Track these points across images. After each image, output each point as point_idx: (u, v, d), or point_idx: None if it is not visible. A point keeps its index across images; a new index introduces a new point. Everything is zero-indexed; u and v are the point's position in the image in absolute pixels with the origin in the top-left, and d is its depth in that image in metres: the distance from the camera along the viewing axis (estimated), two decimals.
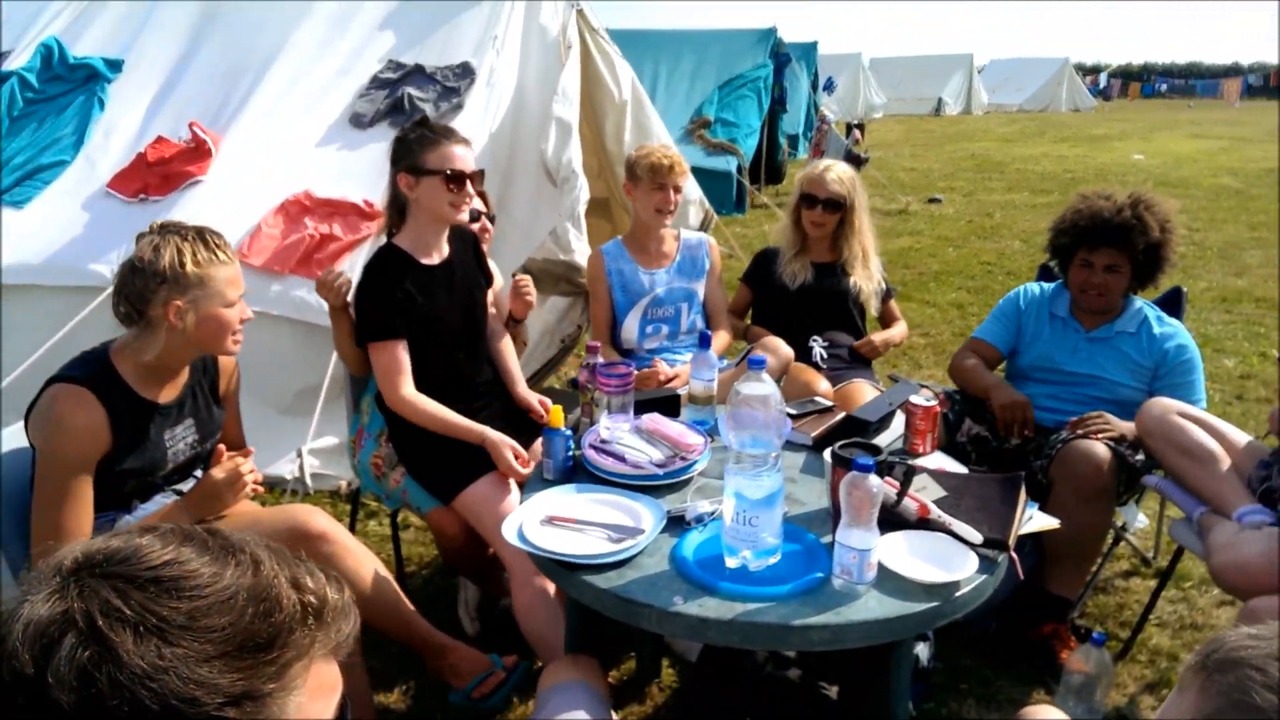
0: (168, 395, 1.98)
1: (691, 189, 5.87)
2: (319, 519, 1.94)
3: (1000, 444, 2.74)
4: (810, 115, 14.11)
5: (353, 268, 3.17)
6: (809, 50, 15.05)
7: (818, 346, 3.07)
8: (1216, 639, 0.70)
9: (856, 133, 15.79)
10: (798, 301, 3.11)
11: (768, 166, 11.25)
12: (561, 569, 1.57)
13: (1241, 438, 2.40)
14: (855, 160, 11.12)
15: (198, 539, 0.66)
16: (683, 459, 1.87)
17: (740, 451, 1.49)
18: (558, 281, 3.67)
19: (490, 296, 2.56)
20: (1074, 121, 24.96)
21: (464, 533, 2.30)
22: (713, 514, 1.68)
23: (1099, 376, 2.67)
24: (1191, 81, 44.90)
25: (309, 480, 3.13)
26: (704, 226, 5.94)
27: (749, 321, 3.31)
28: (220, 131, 3.93)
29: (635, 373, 2.80)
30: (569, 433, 1.87)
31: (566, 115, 3.92)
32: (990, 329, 2.93)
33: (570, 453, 1.89)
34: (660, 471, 1.82)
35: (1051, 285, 2.87)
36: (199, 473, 2.14)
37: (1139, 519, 2.79)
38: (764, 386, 1.47)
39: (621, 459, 1.86)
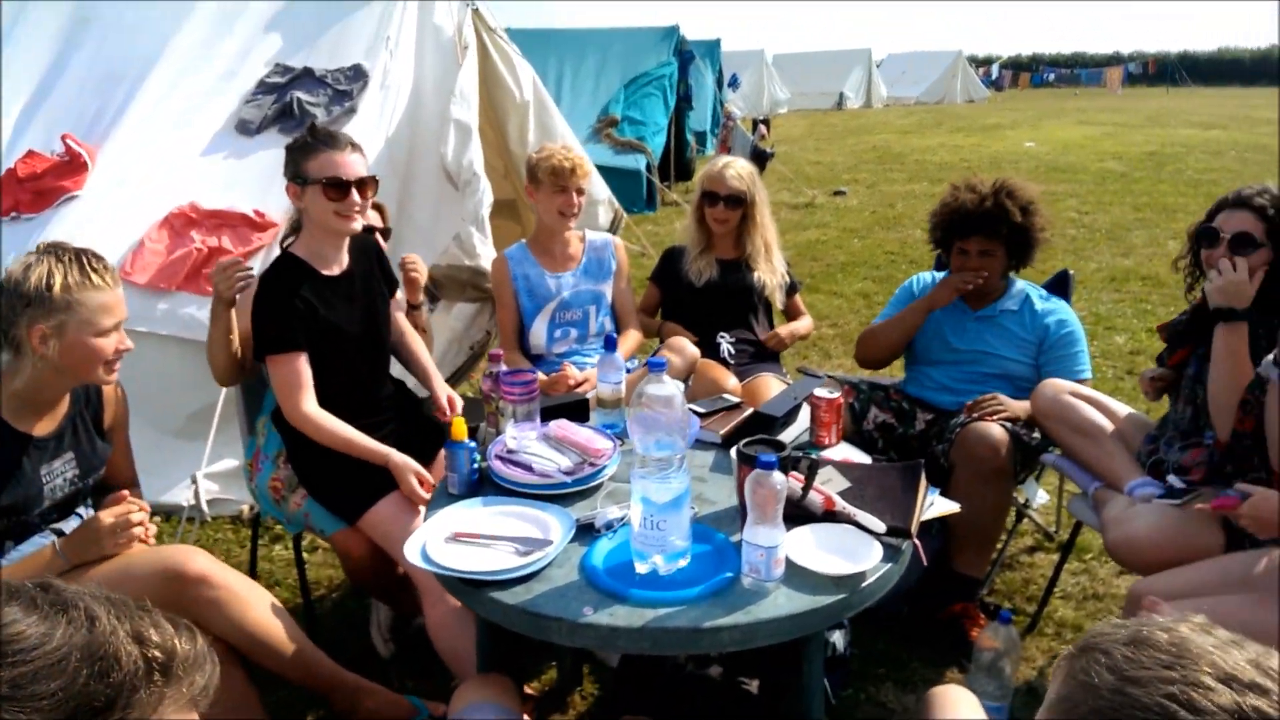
0: (44, 427, 1.85)
1: (600, 188, 5.85)
2: (198, 560, 1.80)
3: (906, 430, 2.81)
4: (716, 112, 14.26)
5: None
6: (713, 47, 15.20)
7: (725, 343, 3.09)
8: (1087, 631, 0.72)
9: (762, 128, 16.03)
10: (704, 299, 3.12)
11: (677, 164, 11.31)
12: (467, 587, 1.53)
13: (1129, 413, 2.51)
14: (761, 155, 11.28)
15: (25, 596, 0.60)
16: (591, 464, 1.84)
17: (645, 455, 1.48)
18: (464, 287, 3.59)
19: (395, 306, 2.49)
20: (969, 112, 25.86)
21: (371, 553, 2.22)
22: (622, 519, 1.66)
23: (988, 353, 2.77)
24: (1077, 71, 47.05)
25: (205, 507, 2.99)
26: (614, 226, 5.93)
27: (660, 319, 3.31)
28: (96, 143, 3.72)
29: (540, 378, 2.78)
30: (473, 445, 1.82)
31: (465, 117, 3.85)
32: (889, 315, 3.00)
33: (475, 465, 1.84)
34: (569, 479, 1.79)
35: (942, 273, 2.96)
36: (83, 511, 2.01)
37: (1040, 495, 2.90)
38: (666, 388, 1.46)
39: (529, 468, 1.82)
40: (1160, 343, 2.51)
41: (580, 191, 2.85)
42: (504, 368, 2.01)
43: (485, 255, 3.58)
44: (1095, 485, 2.40)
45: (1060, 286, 2.95)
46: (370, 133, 3.80)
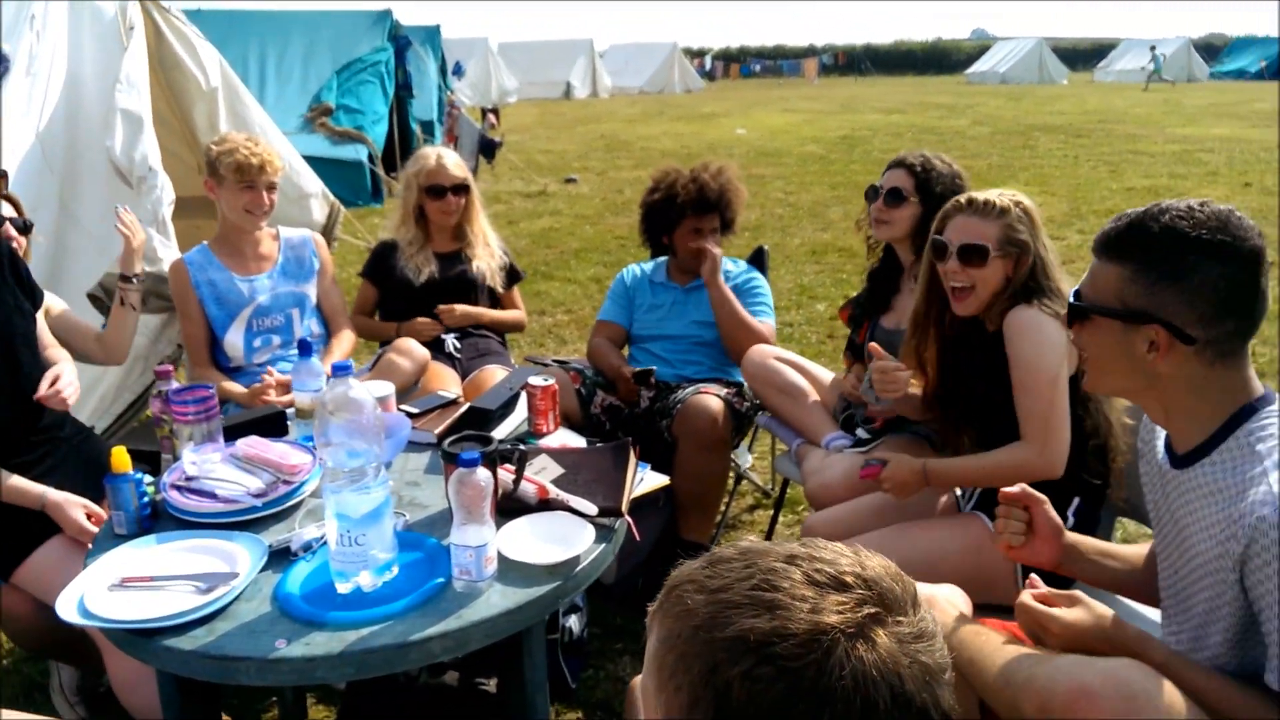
0: None
1: (311, 181, 5.48)
2: None
3: (631, 410, 2.88)
4: (442, 100, 13.90)
5: None
6: (432, 34, 14.75)
7: (450, 339, 2.99)
8: (667, 580, 0.77)
9: (491, 117, 15.86)
10: (426, 295, 3.00)
11: (402, 154, 10.88)
12: (137, 638, 1.34)
13: (827, 375, 2.73)
14: (490, 145, 11.17)
15: None
16: (287, 482, 1.69)
17: (336, 467, 1.37)
18: (145, 298, 3.19)
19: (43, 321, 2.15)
20: (687, 101, 27.27)
21: (36, 611, 1.91)
22: (321, 539, 1.54)
23: (698, 321, 2.93)
24: (779, 62, 51.12)
25: None
26: (331, 221, 5.58)
27: (378, 318, 3.15)
28: None
29: (240, 391, 2.53)
30: (140, 476, 1.60)
31: (134, 106, 3.42)
32: (610, 310, 3.08)
33: (146, 499, 1.62)
34: (259, 502, 1.63)
35: (650, 263, 3.09)
36: None
37: (746, 458, 3.09)
38: (352, 393, 1.35)
39: (212, 495, 1.64)
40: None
41: (272, 188, 2.62)
42: (175, 384, 1.79)
43: (168, 259, 3.20)
44: (798, 442, 2.60)
45: (757, 260, 3.16)
46: (17, 126, 3.27)
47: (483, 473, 1.40)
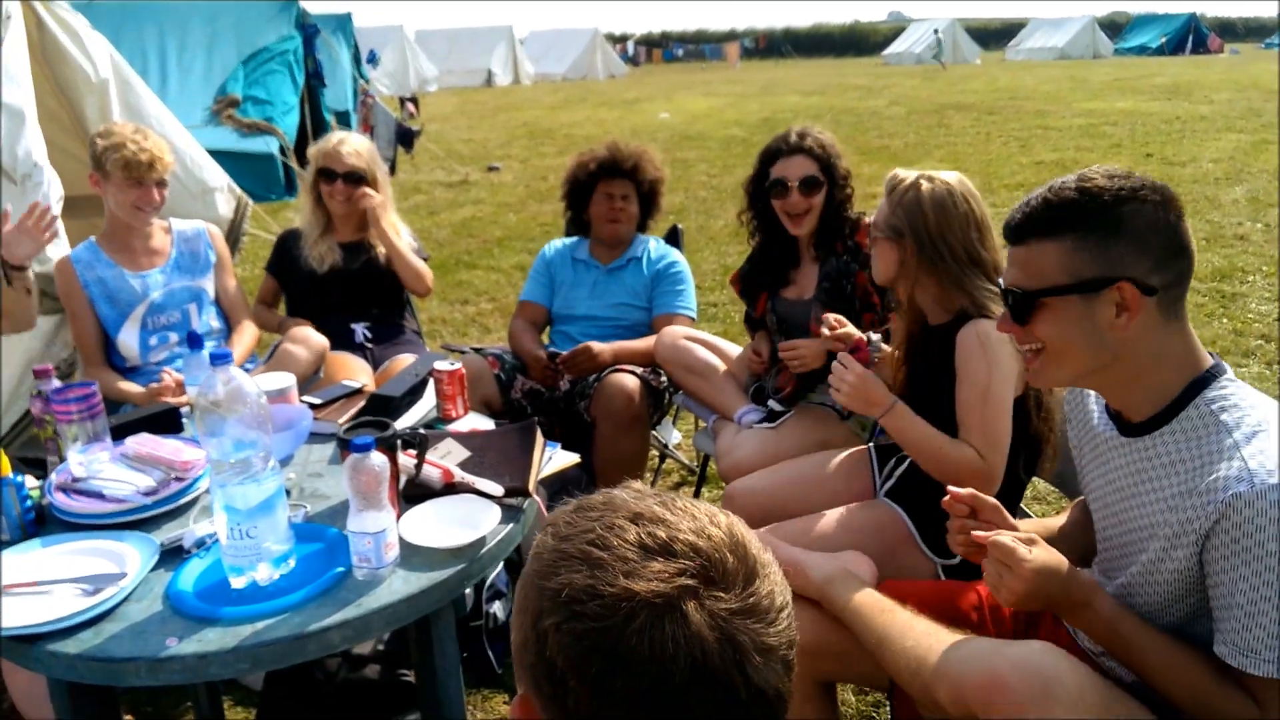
0: None
1: (214, 175, 5.30)
2: None
3: (551, 393, 2.87)
4: (357, 90, 13.57)
5: None
6: (344, 22, 14.37)
7: (360, 329, 2.94)
8: None
9: (410, 106, 15.59)
10: (330, 285, 2.93)
11: None
12: (20, 645, 1.29)
13: (738, 351, 2.76)
14: (407, 134, 10.96)
15: None
16: (180, 479, 1.64)
17: (222, 460, 1.33)
18: (38, 298, 3.05)
19: None
20: (610, 87, 27.17)
21: None
22: (215, 535, 1.49)
23: (619, 303, 2.93)
24: (701, 46, 51.29)
25: None
26: (239, 216, 5.42)
27: (283, 312, 3.07)
28: None
29: (137, 392, 2.44)
30: (19, 479, 1.53)
31: (15, 100, 3.24)
32: (530, 289, 3.06)
33: (29, 504, 1.55)
34: (150, 501, 1.58)
35: (572, 238, 3.07)
36: None
37: (674, 435, 3.11)
38: (231, 383, 1.31)
39: (100, 496, 1.58)
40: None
41: (162, 184, 2.52)
42: (56, 384, 1.72)
43: (57, 258, 3.06)
44: (713, 418, 2.62)
45: (672, 239, 3.18)
46: None
47: (377, 458, 1.38)
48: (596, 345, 2.72)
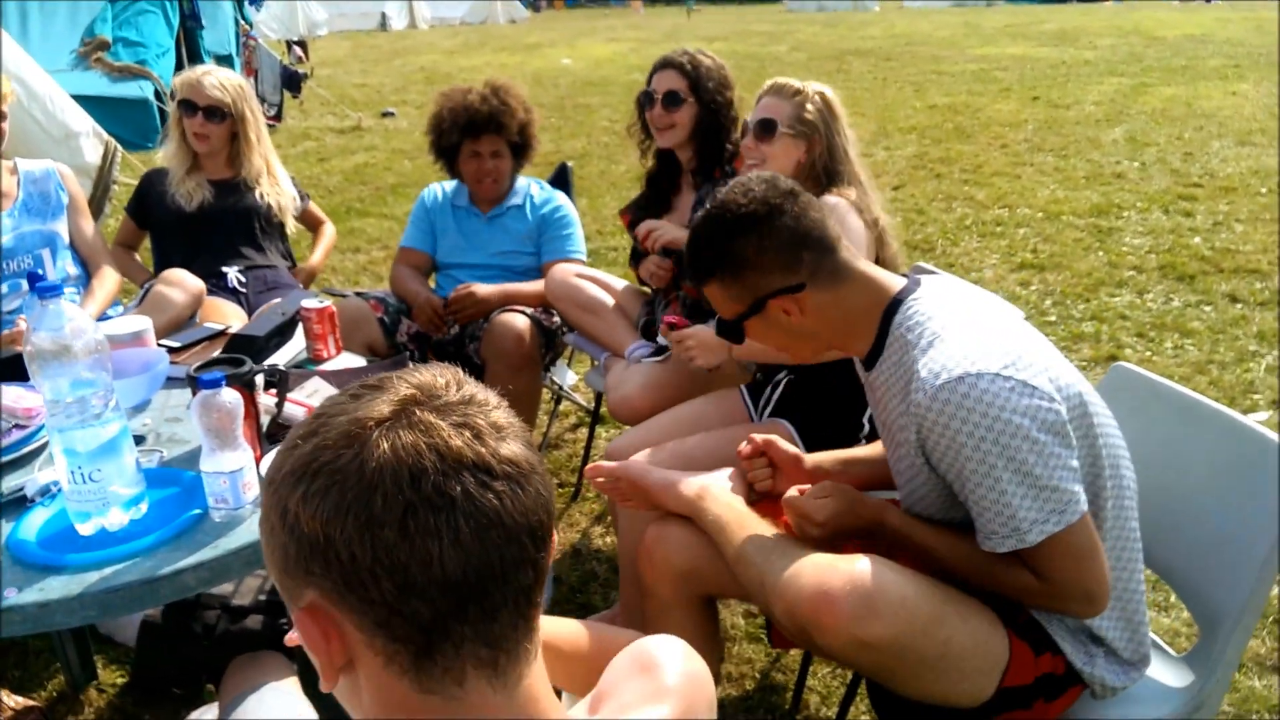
0: None
1: (78, 119, 4.98)
2: None
3: (439, 337, 2.80)
4: (239, 33, 12.84)
5: None
6: None
7: (233, 272, 2.80)
8: None
9: (298, 50, 14.82)
10: (200, 225, 2.78)
11: None
12: None
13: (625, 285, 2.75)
14: (294, 77, 10.46)
15: None
16: (21, 426, 1.54)
17: (57, 400, 1.25)
18: None
19: None
20: (511, 32, 26.40)
21: None
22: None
23: (503, 250, 2.86)
24: None
25: None
26: (107, 162, 5.10)
27: (147, 258, 2.90)
28: None
29: None
30: None
31: None
32: (411, 235, 2.97)
33: None
34: None
35: (452, 183, 2.96)
36: None
37: (569, 376, 3.09)
38: (61, 319, 1.23)
39: None
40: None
41: (1, 117, 2.33)
42: None
43: None
44: (604, 355, 2.61)
45: (561, 180, 3.12)
46: None
47: (229, 394, 1.32)
48: (481, 288, 2.66)
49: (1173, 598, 2.23)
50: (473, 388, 0.68)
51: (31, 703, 1.95)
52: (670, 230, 2.37)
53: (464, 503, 0.61)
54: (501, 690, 0.65)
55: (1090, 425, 1.26)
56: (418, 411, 0.63)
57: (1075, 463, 1.20)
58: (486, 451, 0.62)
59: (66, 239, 2.52)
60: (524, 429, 0.68)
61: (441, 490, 0.60)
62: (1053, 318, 4.15)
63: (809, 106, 2.07)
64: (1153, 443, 1.49)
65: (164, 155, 2.87)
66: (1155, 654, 1.45)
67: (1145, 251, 4.94)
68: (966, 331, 1.24)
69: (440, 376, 0.67)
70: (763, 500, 1.57)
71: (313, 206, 3.14)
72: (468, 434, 0.63)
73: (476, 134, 2.75)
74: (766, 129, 2.07)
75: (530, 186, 2.92)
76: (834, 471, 1.60)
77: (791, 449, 1.59)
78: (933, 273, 1.61)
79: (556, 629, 1.04)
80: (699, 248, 1.37)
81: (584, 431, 3.22)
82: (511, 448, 0.64)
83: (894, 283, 1.36)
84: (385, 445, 0.61)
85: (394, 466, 0.60)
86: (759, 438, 1.58)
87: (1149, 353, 3.74)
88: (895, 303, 1.33)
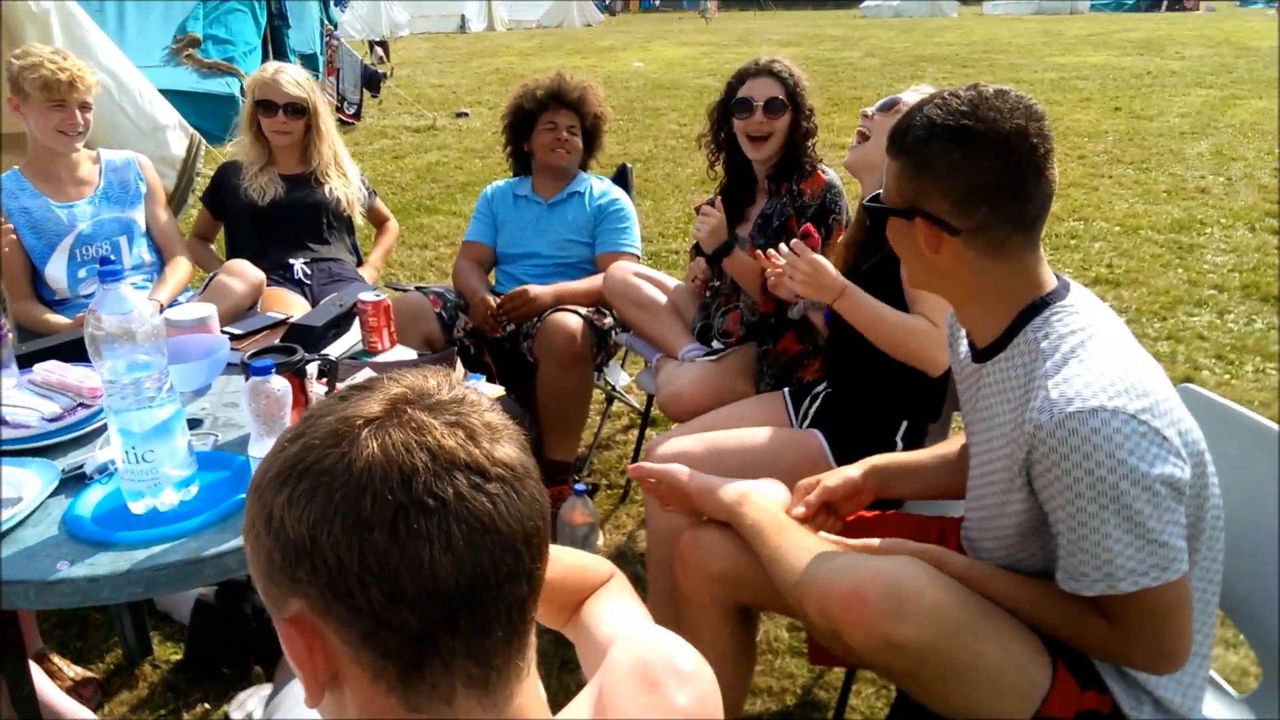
0: None
1: (165, 112, 5.17)
2: None
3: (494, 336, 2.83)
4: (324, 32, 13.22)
5: None
6: None
7: (299, 263, 2.88)
8: None
9: (380, 50, 15.19)
10: (271, 219, 2.87)
11: None
12: None
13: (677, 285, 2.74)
14: (374, 77, 10.73)
15: None
16: (86, 406, 1.60)
17: (116, 381, 1.29)
18: None
19: None
20: (585, 35, 26.64)
21: None
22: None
23: (562, 240, 2.89)
24: None
25: None
26: (191, 154, 5.29)
27: (221, 247, 3.00)
28: None
29: (2, 316, 2.38)
30: None
31: None
32: (474, 229, 3.02)
33: None
34: (54, 427, 1.54)
35: (513, 178, 3.02)
36: None
37: (621, 377, 3.09)
38: (121, 303, 1.27)
39: (2, 422, 1.54)
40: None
41: (85, 107, 2.43)
42: None
43: None
44: (657, 356, 2.60)
45: (621, 180, 3.13)
46: None
47: (278, 381, 1.35)
48: (535, 288, 2.68)
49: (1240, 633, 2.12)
50: (465, 388, 0.66)
51: (89, 674, 2.02)
52: (709, 223, 2.34)
53: (456, 505, 0.58)
54: (492, 709, 0.62)
55: (1204, 486, 1.18)
56: (409, 410, 0.62)
57: (1184, 519, 1.12)
58: (480, 452, 0.60)
59: (143, 226, 2.61)
60: (517, 431, 0.65)
61: (433, 491, 0.58)
62: None
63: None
64: (1221, 472, 1.42)
65: (235, 149, 2.97)
66: (1215, 693, 1.38)
67: (1228, 270, 4.72)
68: (1109, 360, 1.14)
69: (432, 378, 0.66)
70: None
71: (378, 203, 3.22)
72: (461, 434, 0.61)
73: (559, 104, 2.82)
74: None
75: (591, 180, 2.96)
76: (894, 483, 1.56)
77: (840, 482, 1.51)
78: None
79: None
80: (916, 117, 1.22)
81: (634, 433, 3.22)
82: (506, 449, 0.62)
83: (1046, 282, 1.24)
84: (374, 444, 0.59)
85: (384, 466, 0.58)
86: (812, 498, 1.48)
87: (1227, 375, 3.57)
88: (1040, 303, 1.22)
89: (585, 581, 1.03)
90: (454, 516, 0.58)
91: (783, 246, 1.93)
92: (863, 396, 1.97)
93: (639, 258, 2.90)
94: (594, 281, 2.76)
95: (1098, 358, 1.14)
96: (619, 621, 0.93)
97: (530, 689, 0.66)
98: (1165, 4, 34.03)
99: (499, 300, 2.70)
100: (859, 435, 1.90)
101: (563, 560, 1.02)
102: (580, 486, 2.33)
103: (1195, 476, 1.15)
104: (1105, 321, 1.22)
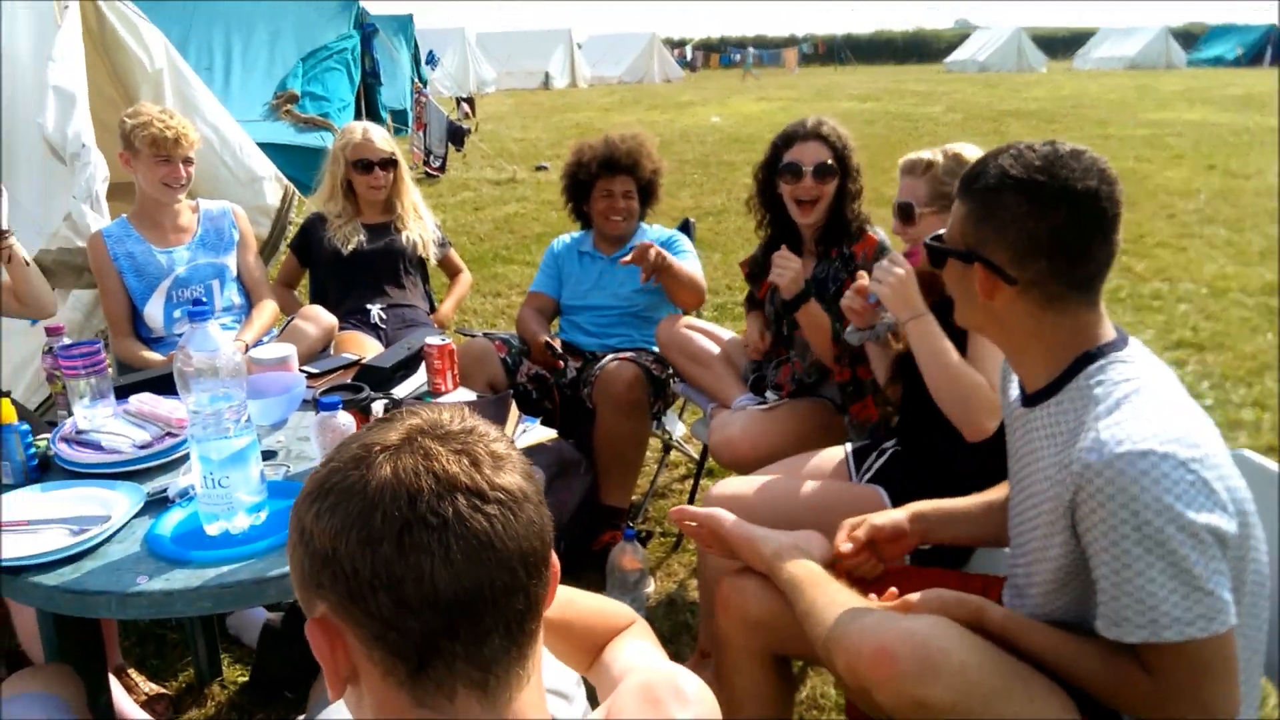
0: None
1: (261, 164, 5.48)
2: None
3: (557, 379, 2.93)
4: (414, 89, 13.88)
5: None
6: (405, 23, 14.74)
7: (375, 309, 3.04)
8: None
9: (466, 106, 15.85)
10: (353, 266, 3.05)
11: None
12: (4, 577, 1.38)
13: (731, 337, 2.79)
14: (458, 132, 11.17)
15: None
16: (173, 435, 1.73)
17: (199, 412, 1.41)
18: (80, 273, 3.21)
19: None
20: (665, 91, 27.26)
21: None
22: None
23: (621, 293, 2.98)
24: (759, 51, 51.05)
25: None
26: (285, 204, 5.60)
27: (305, 292, 3.19)
28: None
29: (103, 351, 2.56)
30: (25, 427, 1.64)
31: (66, 83, 3.43)
32: (540, 281, 3.14)
33: (32, 450, 1.66)
34: (143, 454, 1.67)
35: (578, 233, 3.13)
36: None
37: (679, 427, 3.14)
38: (209, 340, 1.39)
39: (98, 447, 1.68)
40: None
41: (188, 161, 2.65)
42: (65, 340, 1.83)
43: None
44: (711, 406, 2.65)
45: (685, 231, 3.22)
46: None
47: (344, 417, 1.45)
48: (658, 248, 2.69)
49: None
50: (476, 421, 0.74)
51: (163, 690, 2.14)
52: (791, 268, 2.27)
53: (455, 524, 0.66)
54: (491, 709, 0.69)
55: (1248, 548, 1.16)
56: (421, 439, 0.70)
57: (1229, 572, 1.11)
58: (481, 478, 0.68)
59: (234, 271, 2.81)
60: (524, 461, 0.73)
61: (435, 510, 0.66)
62: (1209, 401, 3.86)
63: (943, 176, 1.94)
64: (1271, 538, 1.39)
65: (318, 202, 3.17)
66: None
67: None
68: (1164, 410, 1.14)
69: (448, 413, 0.74)
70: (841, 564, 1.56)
71: (453, 254, 3.37)
72: (465, 460, 0.68)
73: (613, 172, 2.90)
74: (905, 215, 1.99)
75: (652, 228, 3.04)
76: (937, 530, 1.57)
77: (884, 524, 1.54)
78: None
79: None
80: (990, 164, 1.24)
81: (690, 483, 3.25)
82: (507, 477, 0.69)
83: (1104, 333, 1.25)
84: (388, 468, 0.67)
85: (394, 487, 0.66)
86: (860, 533, 1.51)
87: None
88: (1096, 352, 1.23)
89: (606, 625, 1.08)
90: (453, 533, 0.66)
91: (888, 259, 1.86)
92: (934, 456, 1.91)
93: (703, 289, 2.91)
94: (697, 272, 2.84)
95: (1153, 406, 1.14)
96: (636, 660, 0.98)
97: (532, 695, 0.72)
98: (1269, 59, 32.85)
99: (549, 341, 2.80)
100: (923, 496, 1.89)
101: (584, 603, 1.07)
102: (631, 531, 2.39)
103: (1239, 535, 1.13)
104: (1162, 376, 1.22)
